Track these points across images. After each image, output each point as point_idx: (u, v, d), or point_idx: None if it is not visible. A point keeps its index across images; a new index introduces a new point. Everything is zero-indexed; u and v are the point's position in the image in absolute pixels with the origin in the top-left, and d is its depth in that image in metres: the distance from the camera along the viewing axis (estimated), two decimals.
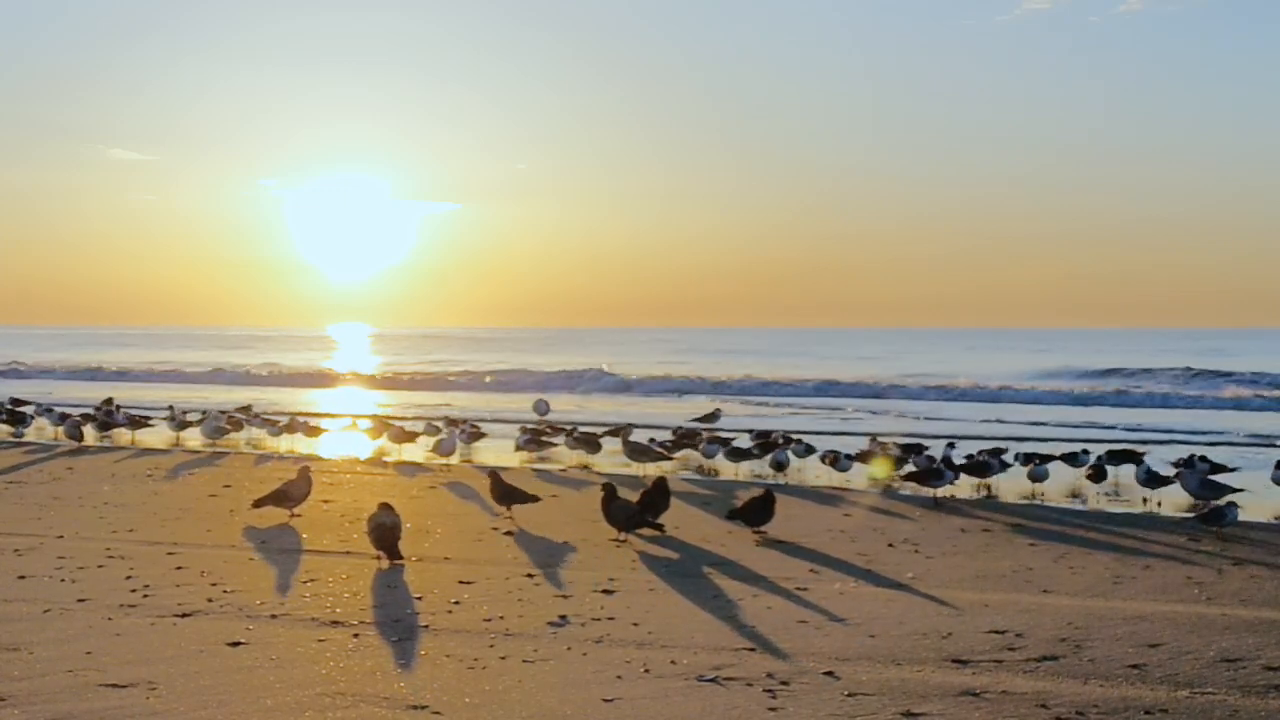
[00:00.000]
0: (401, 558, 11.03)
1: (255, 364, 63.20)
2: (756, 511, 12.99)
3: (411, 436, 21.94)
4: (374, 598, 9.66)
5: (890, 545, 12.49)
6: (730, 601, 9.69)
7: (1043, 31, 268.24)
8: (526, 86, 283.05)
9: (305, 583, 10.19)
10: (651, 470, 18.38)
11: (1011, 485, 17.17)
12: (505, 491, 13.71)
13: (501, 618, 9.00)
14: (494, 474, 14.10)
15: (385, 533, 11.03)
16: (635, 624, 8.86)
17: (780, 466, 18.24)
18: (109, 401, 28.29)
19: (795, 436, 20.74)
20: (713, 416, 26.59)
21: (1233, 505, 13.32)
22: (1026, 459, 17.51)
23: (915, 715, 6.82)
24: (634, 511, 12.50)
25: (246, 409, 25.72)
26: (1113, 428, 29.07)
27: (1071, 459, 18.15)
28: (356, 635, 8.46)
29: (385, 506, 11.31)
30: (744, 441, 20.50)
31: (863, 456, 18.71)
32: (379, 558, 11.08)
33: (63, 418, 24.05)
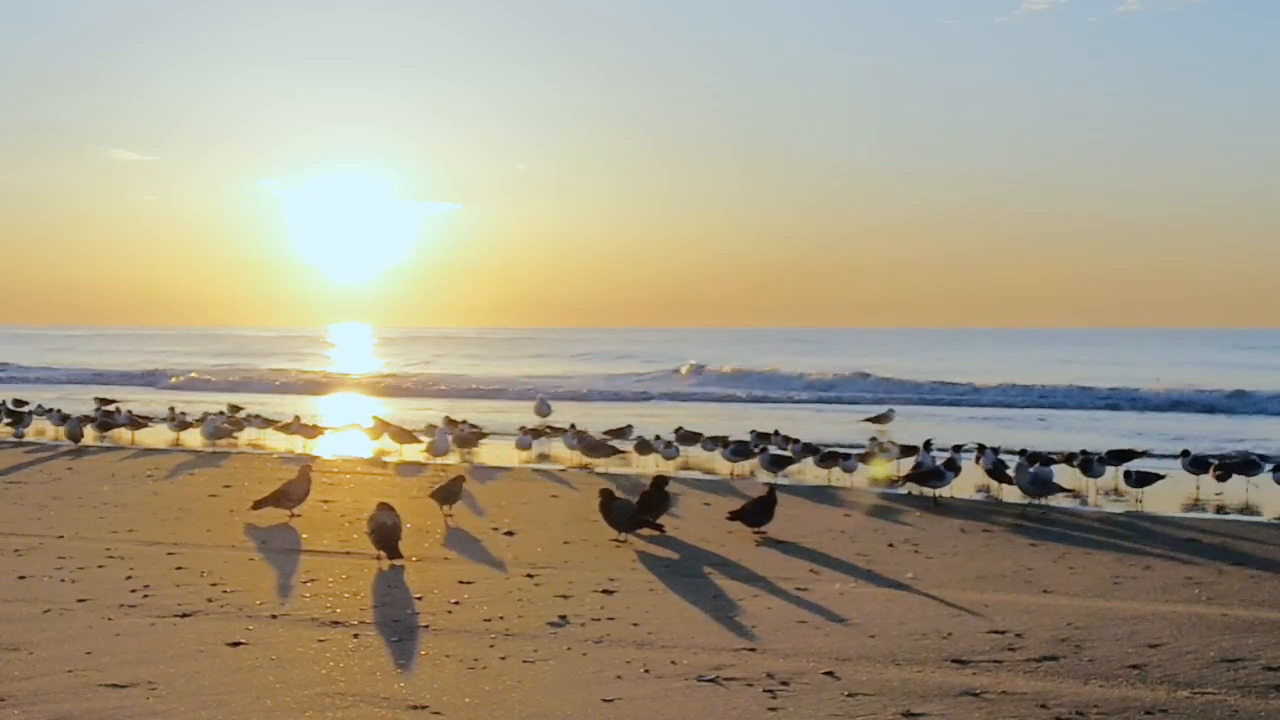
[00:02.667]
0: (401, 557, 11.04)
1: (255, 365, 63.14)
2: (757, 512, 12.99)
3: (411, 437, 21.93)
4: (374, 598, 9.66)
5: (890, 545, 12.49)
6: (730, 601, 9.69)
7: (1042, 32, 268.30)
8: (527, 86, 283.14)
9: (305, 583, 10.19)
10: (614, 466, 18.39)
11: (1011, 485, 17.14)
12: (440, 491, 13.84)
13: (501, 618, 9.00)
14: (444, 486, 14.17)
15: (386, 533, 11.04)
16: (635, 624, 8.86)
17: (774, 465, 18.27)
18: (105, 401, 28.40)
19: (794, 437, 20.74)
20: (886, 417, 27.00)
21: None
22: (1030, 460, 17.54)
23: (915, 715, 6.82)
24: (633, 511, 12.51)
25: (235, 409, 25.84)
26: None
27: (1072, 459, 18.12)
28: (356, 635, 8.46)
29: (385, 506, 11.32)
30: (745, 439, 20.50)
31: (864, 457, 18.75)
32: (379, 558, 11.09)
33: (63, 418, 24.07)
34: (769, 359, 63.65)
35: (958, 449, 17.59)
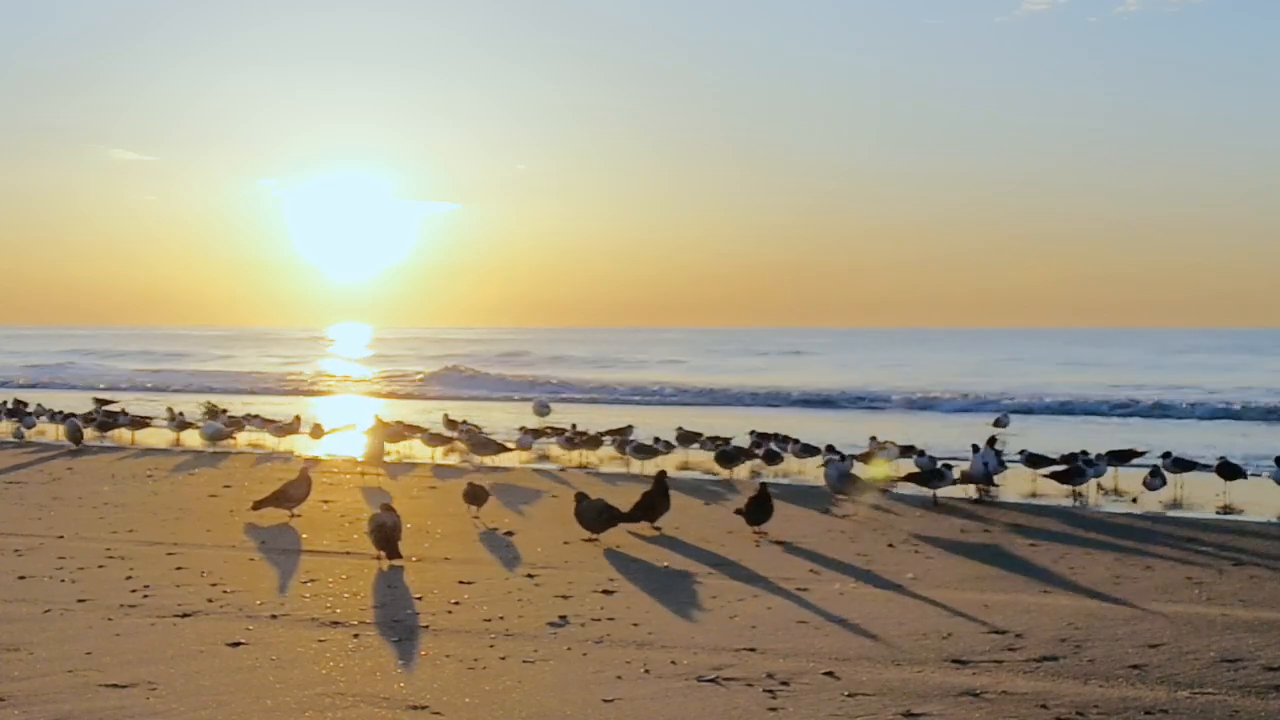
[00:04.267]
0: (401, 557, 11.04)
1: (256, 367, 63.16)
2: (756, 510, 12.99)
3: (411, 436, 21.95)
4: (374, 598, 9.67)
5: (890, 545, 12.49)
6: (730, 601, 9.70)
7: (1042, 32, 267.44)
8: (526, 86, 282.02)
9: (305, 583, 10.20)
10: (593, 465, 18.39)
11: (1012, 485, 17.16)
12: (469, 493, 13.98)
13: (501, 618, 9.00)
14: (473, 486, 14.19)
15: (386, 532, 11.05)
16: (635, 624, 8.86)
17: (726, 460, 18.41)
18: (105, 401, 28.47)
19: (794, 437, 20.73)
20: (1001, 422, 27.23)
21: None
22: (1029, 462, 17.61)
23: (915, 715, 6.82)
24: (602, 509, 12.45)
25: (210, 406, 26.06)
26: None
27: (1070, 459, 18.12)
28: (356, 635, 8.46)
29: (386, 507, 11.35)
30: (743, 440, 20.52)
31: (863, 457, 18.77)
32: (379, 558, 11.09)
33: (63, 418, 24.08)
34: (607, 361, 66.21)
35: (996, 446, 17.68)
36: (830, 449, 18.41)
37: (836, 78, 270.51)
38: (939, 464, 16.59)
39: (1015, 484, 17.21)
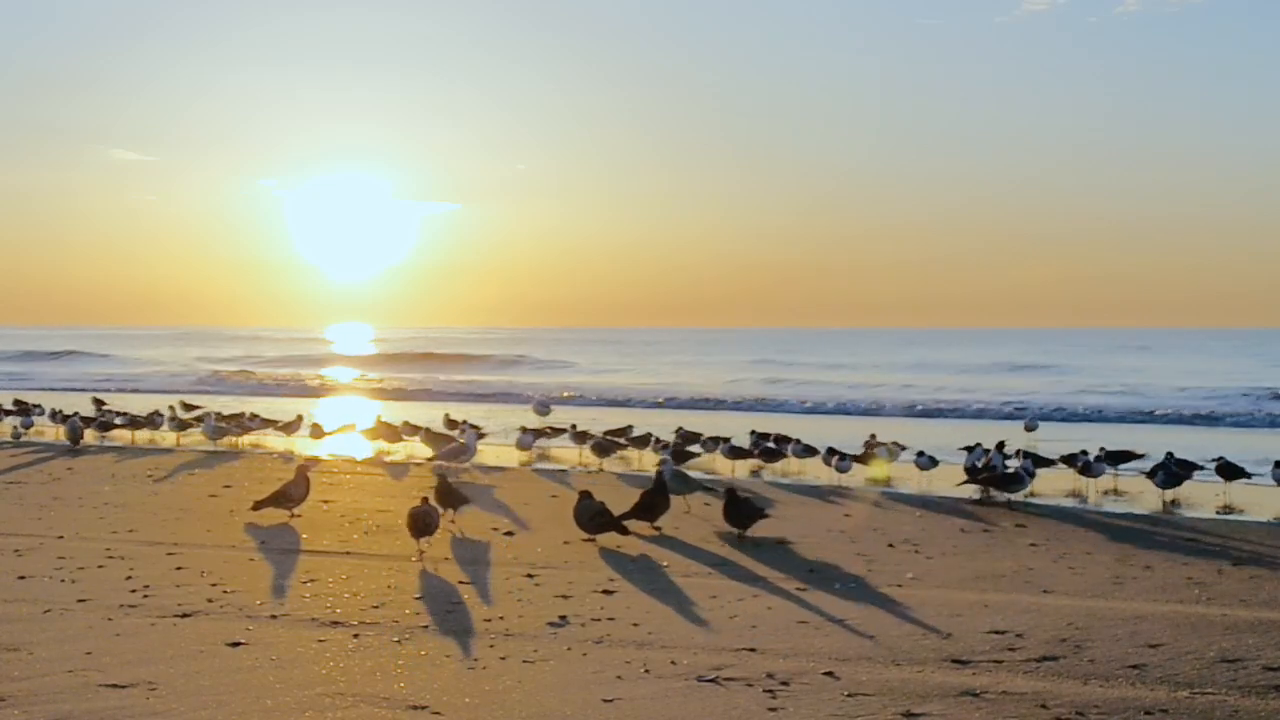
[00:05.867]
0: (429, 537, 11.52)
1: (254, 367, 63.18)
2: (727, 515, 12.87)
3: (397, 435, 21.97)
4: (374, 598, 9.67)
5: (890, 545, 12.49)
6: (730, 601, 9.70)
7: (1042, 32, 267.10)
8: (526, 86, 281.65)
9: (305, 583, 10.20)
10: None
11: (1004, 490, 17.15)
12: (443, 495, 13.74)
13: (501, 618, 9.01)
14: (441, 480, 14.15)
15: (411, 519, 11.41)
16: (635, 624, 8.87)
17: (685, 457, 18.48)
18: (101, 402, 28.51)
19: (793, 436, 20.75)
20: (1030, 426, 27.32)
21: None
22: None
23: (915, 715, 6.82)
24: (596, 511, 12.41)
25: (190, 408, 26.22)
26: None
27: (1071, 460, 18.14)
28: (356, 635, 8.46)
29: (425, 500, 11.79)
30: (742, 440, 20.54)
31: (862, 457, 18.79)
32: (420, 555, 11.36)
33: (63, 418, 24.09)
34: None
35: (1018, 453, 17.66)
36: (831, 450, 18.41)
37: (836, 78, 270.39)
38: (1010, 468, 16.48)
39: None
